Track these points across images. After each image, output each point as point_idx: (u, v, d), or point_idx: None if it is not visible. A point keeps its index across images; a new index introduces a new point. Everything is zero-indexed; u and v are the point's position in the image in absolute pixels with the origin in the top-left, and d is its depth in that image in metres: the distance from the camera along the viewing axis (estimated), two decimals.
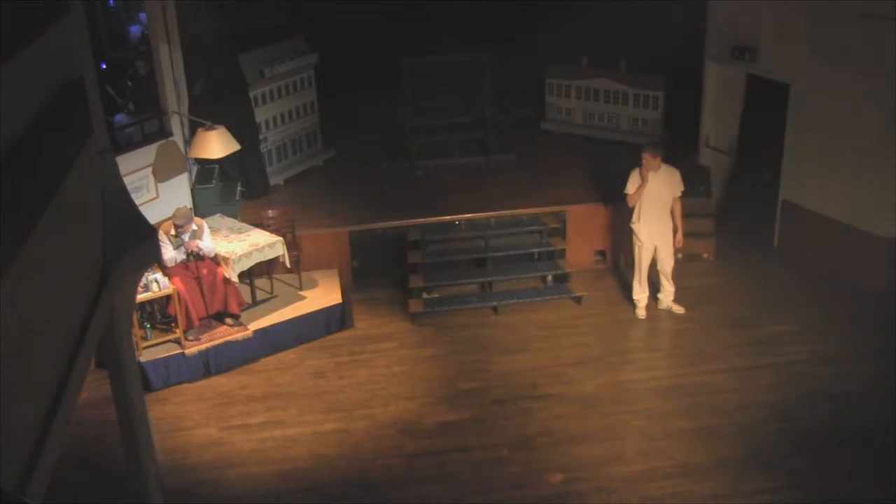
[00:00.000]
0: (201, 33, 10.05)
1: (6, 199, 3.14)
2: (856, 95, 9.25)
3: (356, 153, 12.26)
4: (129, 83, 10.11)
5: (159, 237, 8.04)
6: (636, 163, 11.51)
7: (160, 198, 9.65)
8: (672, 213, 9.10)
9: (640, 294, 9.40)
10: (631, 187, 9.11)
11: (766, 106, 10.54)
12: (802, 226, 10.15)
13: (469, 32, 11.93)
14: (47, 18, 4.31)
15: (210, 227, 8.85)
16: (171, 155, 9.85)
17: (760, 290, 9.80)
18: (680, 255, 10.25)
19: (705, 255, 10.52)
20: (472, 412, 7.94)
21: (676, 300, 9.45)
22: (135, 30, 10.22)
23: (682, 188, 9.08)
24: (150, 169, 9.58)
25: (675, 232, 9.16)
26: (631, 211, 9.23)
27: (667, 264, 9.26)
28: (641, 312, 9.43)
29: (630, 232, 9.35)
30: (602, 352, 8.84)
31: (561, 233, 10.36)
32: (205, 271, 8.60)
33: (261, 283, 9.54)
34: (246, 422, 7.92)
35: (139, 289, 7.44)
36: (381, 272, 10.38)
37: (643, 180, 8.96)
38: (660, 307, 9.49)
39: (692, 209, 10.56)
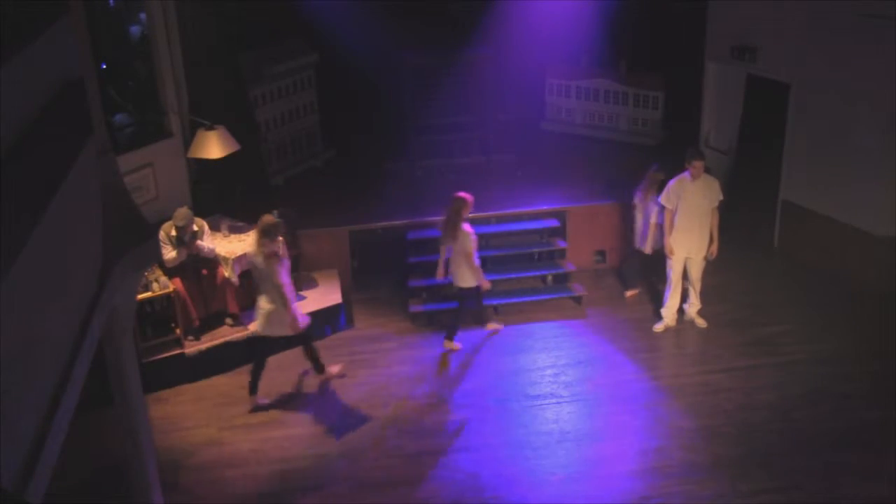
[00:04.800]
0: (201, 33, 10.05)
1: (6, 199, 3.14)
2: (856, 95, 9.26)
3: (356, 153, 12.26)
4: (129, 83, 10.10)
5: (159, 238, 8.06)
6: (636, 163, 11.53)
7: (160, 198, 9.65)
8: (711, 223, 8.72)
9: (667, 310, 9.10)
10: (667, 200, 8.71)
11: (766, 106, 10.55)
12: (802, 226, 10.15)
13: (469, 32, 11.91)
14: (47, 18, 4.32)
15: (210, 228, 8.85)
16: (171, 155, 9.85)
17: (760, 290, 9.80)
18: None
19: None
20: (472, 412, 7.94)
21: (701, 314, 9.17)
22: (135, 30, 10.21)
23: (720, 198, 8.70)
24: (150, 169, 9.57)
25: (710, 242, 8.78)
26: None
27: (696, 276, 8.94)
28: (660, 327, 9.15)
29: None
30: (602, 352, 8.84)
31: (561, 233, 10.36)
32: (205, 271, 8.60)
33: None
34: (246, 422, 7.92)
35: (139, 289, 7.43)
36: (381, 272, 10.39)
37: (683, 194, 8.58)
38: (685, 318, 9.23)
39: None
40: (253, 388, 8.12)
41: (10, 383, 3.20)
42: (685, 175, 8.62)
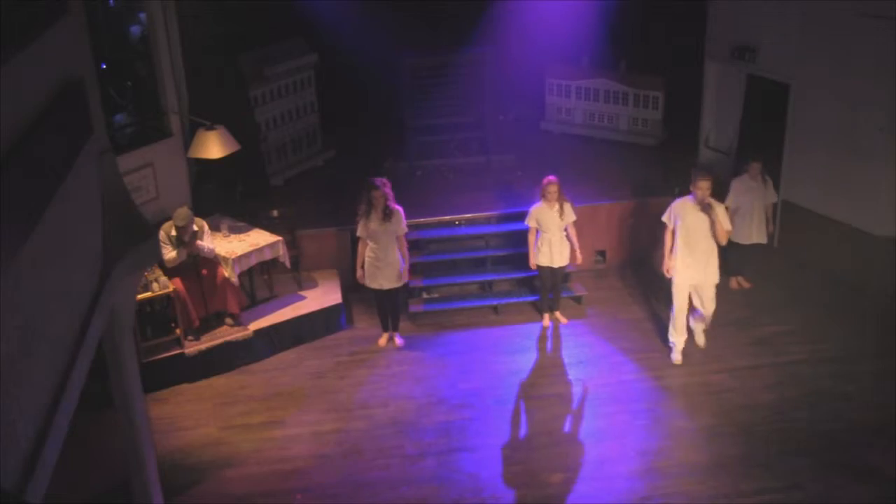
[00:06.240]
0: (201, 33, 10.05)
1: (6, 199, 3.14)
2: (856, 95, 9.26)
3: (356, 153, 12.26)
4: (129, 83, 10.10)
5: (159, 238, 8.05)
6: (635, 163, 11.48)
7: (160, 198, 9.65)
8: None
9: (677, 337, 8.46)
10: (667, 218, 8.19)
11: (765, 106, 10.55)
12: (802, 226, 10.15)
13: (469, 32, 11.92)
14: (47, 18, 4.32)
15: (210, 228, 8.85)
16: (171, 155, 9.85)
17: (760, 290, 9.80)
18: None
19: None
20: (472, 412, 7.94)
21: (706, 334, 8.65)
22: (135, 30, 10.20)
23: (728, 227, 7.99)
24: (150, 169, 9.57)
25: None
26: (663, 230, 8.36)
27: (708, 309, 8.22)
28: (677, 357, 8.48)
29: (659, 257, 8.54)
30: (602, 352, 8.84)
31: None
32: (205, 271, 8.60)
33: (261, 283, 9.54)
34: (246, 422, 7.92)
35: (139, 289, 7.43)
36: None
37: (710, 211, 7.83)
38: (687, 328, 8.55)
39: None
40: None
41: (10, 383, 3.20)
42: (689, 198, 7.99)
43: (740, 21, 10.65)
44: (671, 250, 8.22)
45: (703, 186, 7.83)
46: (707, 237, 7.94)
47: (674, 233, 8.17)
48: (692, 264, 8.07)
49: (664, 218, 8.30)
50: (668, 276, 8.32)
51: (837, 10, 9.27)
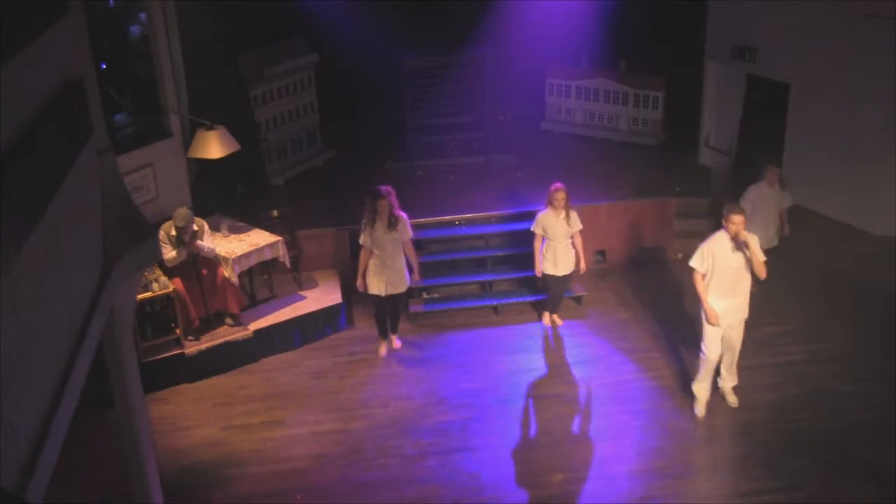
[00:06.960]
0: (201, 33, 10.05)
1: (6, 199, 3.14)
2: (856, 95, 9.26)
3: (356, 153, 12.27)
4: (129, 83, 10.10)
5: (159, 237, 8.06)
6: (635, 163, 11.45)
7: (160, 198, 9.64)
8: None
9: (701, 386, 7.73)
10: (700, 263, 7.32)
11: (766, 106, 10.55)
12: (802, 226, 10.14)
13: (469, 32, 11.93)
14: (47, 18, 4.32)
15: (210, 228, 8.85)
16: (171, 155, 9.85)
17: (761, 291, 9.76)
18: (680, 256, 10.27)
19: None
20: (472, 412, 7.94)
21: (735, 391, 7.91)
22: (135, 30, 10.20)
23: (762, 258, 7.15)
24: (150, 169, 9.57)
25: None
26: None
27: (737, 344, 7.60)
28: (700, 410, 7.75)
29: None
30: (602, 352, 8.84)
31: None
32: (205, 271, 8.60)
33: (261, 283, 9.54)
34: (246, 422, 7.92)
35: (139, 289, 7.43)
36: None
37: (745, 247, 7.11)
38: (717, 391, 7.93)
39: (692, 209, 10.58)
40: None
41: (10, 383, 3.20)
42: (721, 234, 7.24)
43: (740, 21, 10.65)
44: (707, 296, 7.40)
45: (738, 221, 7.06)
46: (744, 274, 7.29)
47: (704, 276, 7.39)
48: (730, 306, 7.36)
49: (694, 263, 7.36)
50: (714, 323, 7.40)
51: (837, 9, 9.27)
